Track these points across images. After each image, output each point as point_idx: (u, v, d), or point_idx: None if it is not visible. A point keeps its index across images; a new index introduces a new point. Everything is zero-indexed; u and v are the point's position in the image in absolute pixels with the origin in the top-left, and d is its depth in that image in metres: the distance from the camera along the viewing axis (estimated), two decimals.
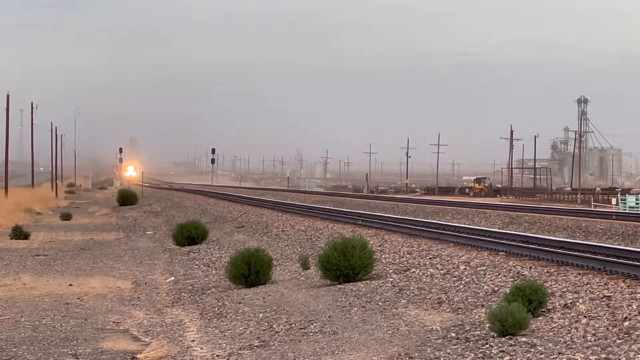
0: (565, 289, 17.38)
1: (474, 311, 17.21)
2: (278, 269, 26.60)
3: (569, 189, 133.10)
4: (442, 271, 22.03)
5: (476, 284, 19.69)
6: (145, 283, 27.34)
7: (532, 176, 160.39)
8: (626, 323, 14.23)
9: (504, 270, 20.68)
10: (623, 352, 12.74)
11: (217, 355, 16.26)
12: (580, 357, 12.73)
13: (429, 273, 22.12)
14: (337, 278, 22.36)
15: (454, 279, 20.82)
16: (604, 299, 16.04)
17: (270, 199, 77.62)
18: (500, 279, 19.77)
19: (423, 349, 14.59)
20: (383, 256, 25.78)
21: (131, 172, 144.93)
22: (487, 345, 14.08)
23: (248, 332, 18.11)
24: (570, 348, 13.32)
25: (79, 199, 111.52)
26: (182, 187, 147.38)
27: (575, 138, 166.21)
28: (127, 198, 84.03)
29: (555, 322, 15.05)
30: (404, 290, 20.30)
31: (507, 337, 14.30)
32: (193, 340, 17.83)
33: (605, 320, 14.65)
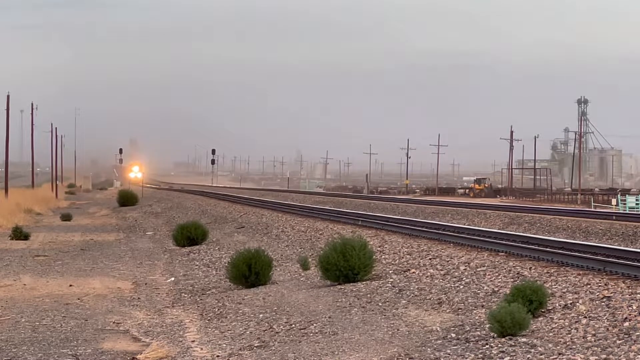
0: (565, 290, 17.39)
1: (474, 312, 17.22)
2: (278, 269, 26.60)
3: (569, 189, 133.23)
4: (442, 272, 22.03)
5: (476, 285, 19.70)
6: (146, 284, 27.34)
7: (532, 177, 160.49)
8: (626, 323, 14.23)
9: (504, 270, 20.67)
10: (623, 352, 12.74)
11: (217, 356, 16.26)
12: (580, 358, 12.73)
13: (429, 274, 22.12)
14: (337, 279, 22.36)
15: (454, 279, 20.82)
16: (604, 299, 16.05)
17: (270, 199, 77.59)
18: (500, 280, 19.77)
19: (423, 349, 14.60)
20: (383, 257, 25.77)
21: (136, 173, 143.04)
22: (487, 346, 14.09)
23: (248, 332, 18.11)
24: (571, 349, 13.33)
25: (79, 200, 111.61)
26: (182, 187, 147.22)
27: (575, 139, 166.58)
28: (127, 199, 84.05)
29: (556, 323, 15.06)
30: (404, 291, 20.30)
31: (507, 337, 14.31)
32: (193, 341, 17.84)
33: (605, 320, 14.66)
